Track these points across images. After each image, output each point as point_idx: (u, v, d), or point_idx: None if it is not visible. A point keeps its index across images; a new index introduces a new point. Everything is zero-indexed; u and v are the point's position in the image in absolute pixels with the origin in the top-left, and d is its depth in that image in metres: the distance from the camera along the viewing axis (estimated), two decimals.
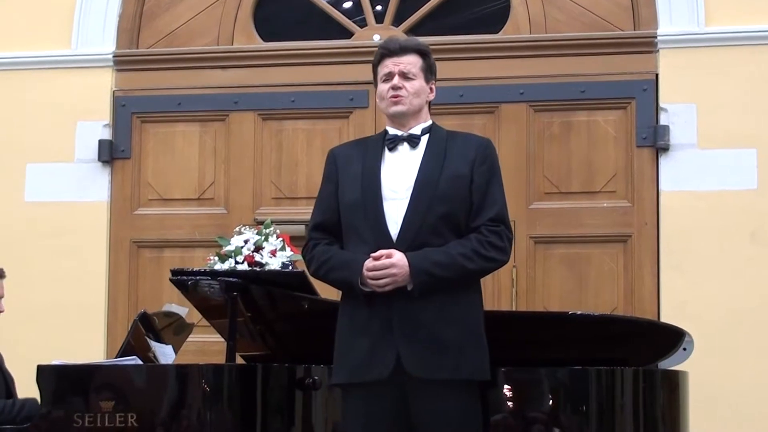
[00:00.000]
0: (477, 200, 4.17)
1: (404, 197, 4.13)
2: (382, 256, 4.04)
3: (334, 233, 4.25)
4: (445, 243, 4.10)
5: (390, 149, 4.24)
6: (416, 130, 4.25)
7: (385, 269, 4.03)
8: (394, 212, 4.12)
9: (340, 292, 4.36)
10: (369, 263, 4.05)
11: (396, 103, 4.23)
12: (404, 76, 4.23)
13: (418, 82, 4.25)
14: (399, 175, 4.18)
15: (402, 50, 4.26)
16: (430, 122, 4.30)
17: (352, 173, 4.23)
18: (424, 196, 4.12)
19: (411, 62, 4.25)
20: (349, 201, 4.19)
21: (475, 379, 4.13)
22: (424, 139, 4.24)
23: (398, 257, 4.04)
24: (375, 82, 4.33)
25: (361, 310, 4.11)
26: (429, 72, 4.29)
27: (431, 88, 4.31)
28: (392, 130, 4.27)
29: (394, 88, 4.22)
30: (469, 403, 4.13)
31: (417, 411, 4.07)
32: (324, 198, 4.31)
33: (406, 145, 4.24)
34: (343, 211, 4.22)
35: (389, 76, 4.24)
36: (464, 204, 4.16)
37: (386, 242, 4.09)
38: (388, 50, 4.28)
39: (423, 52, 4.30)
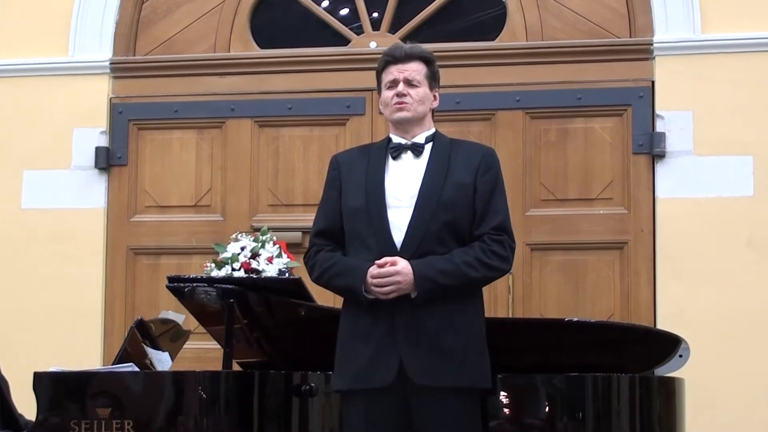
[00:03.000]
0: (480, 209, 4.18)
1: (408, 205, 4.14)
2: (386, 264, 4.05)
3: (336, 240, 4.26)
4: (448, 251, 4.12)
5: (394, 157, 4.25)
6: (420, 139, 4.26)
7: (390, 277, 4.04)
8: (398, 220, 4.14)
9: (337, 299, 4.37)
10: (374, 270, 4.06)
11: (400, 110, 4.23)
12: (409, 83, 4.24)
13: (423, 90, 4.26)
14: (403, 184, 4.19)
15: (407, 57, 4.27)
16: (433, 130, 4.31)
17: (356, 180, 4.23)
18: (428, 205, 4.13)
19: (416, 69, 4.26)
20: (352, 208, 4.20)
21: (477, 387, 4.14)
22: (428, 147, 4.25)
23: (403, 265, 4.05)
24: (378, 89, 4.33)
25: (364, 316, 4.12)
26: (433, 79, 4.31)
27: (435, 96, 4.33)
28: (396, 138, 4.28)
29: (399, 95, 4.23)
30: (471, 411, 4.14)
31: (419, 418, 4.07)
32: (327, 204, 4.31)
33: (409, 153, 4.25)
34: (346, 218, 4.23)
35: (394, 83, 4.25)
36: (467, 212, 4.17)
37: (390, 250, 4.10)
38: (393, 57, 4.28)
39: (427, 60, 4.31)
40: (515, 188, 6.68)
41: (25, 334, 7.01)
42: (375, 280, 4.05)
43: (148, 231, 7.19)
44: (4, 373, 5.16)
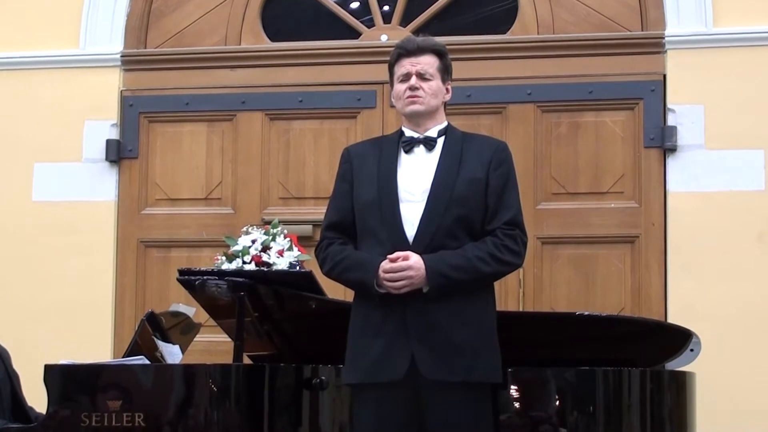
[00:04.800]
0: (492, 203, 4.17)
1: (420, 200, 4.14)
2: (398, 258, 4.04)
3: (348, 233, 4.25)
4: (460, 246, 4.11)
5: (406, 151, 4.24)
6: (432, 132, 4.25)
7: (402, 271, 4.03)
8: (411, 214, 4.12)
9: (348, 292, 4.36)
10: (386, 265, 4.05)
11: (413, 103, 4.22)
12: (421, 76, 4.23)
13: (435, 83, 4.25)
14: (415, 178, 4.18)
15: (419, 50, 4.26)
16: (445, 123, 4.30)
17: (368, 173, 4.22)
18: (441, 199, 4.12)
19: (428, 62, 4.25)
20: (365, 201, 4.19)
21: (488, 381, 4.14)
22: (440, 141, 4.24)
23: (415, 259, 4.04)
24: (391, 82, 4.32)
25: (376, 311, 4.11)
26: (445, 72, 4.30)
27: (447, 89, 4.31)
28: (408, 132, 4.27)
29: (412, 88, 4.21)
30: (481, 405, 4.14)
31: (429, 413, 4.07)
32: (338, 197, 4.30)
33: (422, 147, 4.24)
34: (358, 212, 4.22)
35: (406, 77, 4.23)
36: (480, 207, 4.16)
37: (402, 244, 4.09)
38: (406, 50, 4.27)
39: (440, 53, 4.29)
40: (526, 182, 6.66)
41: (36, 327, 7.01)
42: (387, 275, 4.04)
43: (159, 224, 7.20)
44: (14, 366, 5.17)
